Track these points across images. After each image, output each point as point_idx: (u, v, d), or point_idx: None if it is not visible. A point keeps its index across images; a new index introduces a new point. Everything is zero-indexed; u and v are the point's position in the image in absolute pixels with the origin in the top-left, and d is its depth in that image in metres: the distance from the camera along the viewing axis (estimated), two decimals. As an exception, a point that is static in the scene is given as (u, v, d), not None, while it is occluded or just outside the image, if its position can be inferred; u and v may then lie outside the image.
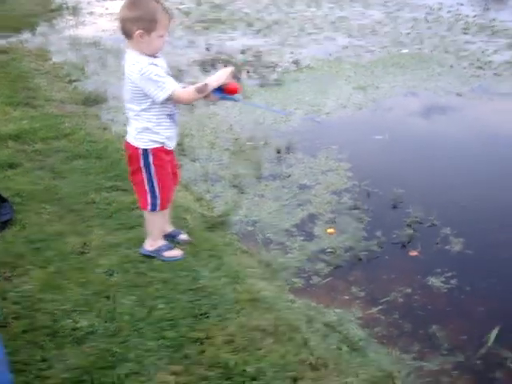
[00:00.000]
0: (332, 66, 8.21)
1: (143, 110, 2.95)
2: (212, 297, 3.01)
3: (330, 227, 4.00)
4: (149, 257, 3.31)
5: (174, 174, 3.27)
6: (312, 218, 4.14)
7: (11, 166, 4.58)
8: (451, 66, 8.16)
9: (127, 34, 2.86)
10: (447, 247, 3.80)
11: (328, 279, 3.49)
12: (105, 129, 5.71)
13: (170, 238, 3.48)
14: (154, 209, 3.17)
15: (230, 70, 3.01)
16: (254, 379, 2.48)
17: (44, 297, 2.99)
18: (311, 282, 3.47)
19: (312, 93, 6.90)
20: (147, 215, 3.26)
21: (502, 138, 5.74)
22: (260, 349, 2.66)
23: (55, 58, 8.91)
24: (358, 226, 4.03)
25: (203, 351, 2.63)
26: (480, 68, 8.03)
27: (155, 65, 2.85)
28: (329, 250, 3.75)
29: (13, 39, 10.08)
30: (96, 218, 3.75)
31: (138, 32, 2.80)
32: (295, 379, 2.52)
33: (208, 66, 8.28)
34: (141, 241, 3.42)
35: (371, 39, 9.82)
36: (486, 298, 3.35)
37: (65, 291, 3.03)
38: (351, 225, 4.05)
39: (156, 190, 3.11)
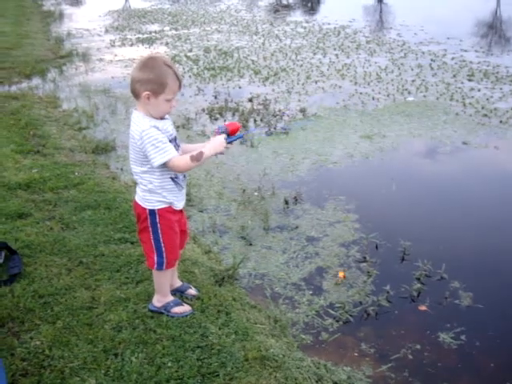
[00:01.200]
0: (339, 115, 8.29)
1: (145, 171, 2.98)
2: (221, 354, 2.99)
3: (342, 270, 4.02)
4: (157, 313, 3.31)
5: (183, 232, 3.29)
6: (320, 271, 4.13)
7: (20, 216, 4.61)
8: (457, 114, 8.23)
9: (135, 94, 2.90)
10: (456, 301, 3.78)
11: (337, 335, 3.47)
12: (114, 178, 5.76)
13: (179, 293, 3.47)
14: (160, 268, 3.18)
15: (223, 138, 3.03)
16: None
17: (52, 353, 2.98)
18: (320, 338, 3.45)
19: (319, 142, 6.97)
20: (155, 273, 3.27)
21: (510, 186, 5.76)
22: (270, 410, 2.64)
23: (65, 105, 9.06)
24: (366, 279, 4.03)
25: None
26: (485, 116, 8.09)
27: (157, 128, 2.88)
28: (337, 304, 3.74)
29: (23, 85, 10.27)
30: (105, 271, 3.76)
31: (145, 93, 2.84)
32: None
33: (216, 113, 8.39)
34: (149, 295, 3.42)
35: (377, 86, 9.93)
36: (497, 353, 3.33)
37: (73, 348, 3.02)
38: (360, 278, 4.04)
39: (162, 250, 3.12)
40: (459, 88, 9.71)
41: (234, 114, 8.35)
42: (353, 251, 4.40)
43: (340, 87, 9.99)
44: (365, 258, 4.28)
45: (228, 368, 2.89)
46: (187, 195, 5.10)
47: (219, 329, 3.21)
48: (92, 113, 8.46)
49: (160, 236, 3.08)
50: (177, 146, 3.01)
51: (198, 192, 5.47)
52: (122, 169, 6.17)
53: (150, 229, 3.08)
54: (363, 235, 4.61)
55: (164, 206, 3.05)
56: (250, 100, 9.12)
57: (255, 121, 8.00)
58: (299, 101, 9.06)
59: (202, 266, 3.97)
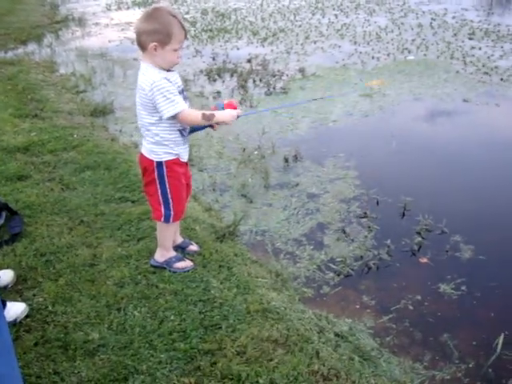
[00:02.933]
0: (338, 74, 8.22)
1: (153, 123, 2.95)
2: (223, 308, 3.00)
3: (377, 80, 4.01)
4: (159, 268, 3.32)
5: (188, 186, 3.29)
6: (321, 226, 4.14)
7: (20, 178, 4.60)
8: (457, 72, 8.15)
9: (142, 45, 2.86)
10: (457, 254, 3.80)
11: (338, 288, 3.49)
12: (113, 140, 5.73)
13: (180, 250, 3.48)
14: (167, 220, 3.17)
15: (236, 113, 3.01)
16: (266, 391, 2.48)
17: (55, 309, 3.00)
18: (321, 291, 3.47)
19: (318, 100, 6.92)
20: (160, 226, 3.27)
21: (510, 142, 5.73)
22: (272, 360, 2.66)
23: (62, 70, 8.98)
24: (367, 234, 4.03)
25: (215, 363, 2.62)
26: (486, 74, 8.01)
27: (168, 79, 2.85)
28: (338, 259, 3.75)
29: (20, 51, 10.16)
30: (106, 230, 3.76)
31: (152, 45, 2.80)
32: (307, 390, 2.52)
33: (214, 75, 8.31)
34: (150, 252, 3.43)
35: (377, 46, 9.82)
36: (496, 303, 3.35)
37: (76, 304, 3.04)
38: (361, 233, 4.05)
39: (170, 202, 3.11)
40: (460, 47, 9.60)
41: (232, 75, 8.28)
42: (353, 207, 4.40)
43: (339, 47, 9.88)
44: (365, 213, 4.28)
45: (230, 320, 2.91)
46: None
47: (221, 283, 3.23)
48: (89, 76, 8.39)
49: (167, 188, 3.07)
50: (185, 99, 2.98)
51: (197, 152, 5.44)
52: (120, 130, 6.14)
53: (158, 181, 3.06)
54: (363, 191, 4.61)
55: (171, 157, 3.04)
56: (249, 61, 9.03)
57: (254, 81, 7.93)
58: (298, 61, 8.97)
59: (202, 223, 3.97)
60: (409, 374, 2.81)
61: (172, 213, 3.15)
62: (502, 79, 7.77)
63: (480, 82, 7.68)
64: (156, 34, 2.79)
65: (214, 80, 8.13)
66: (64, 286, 3.19)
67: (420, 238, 3.95)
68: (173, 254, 3.35)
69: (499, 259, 3.78)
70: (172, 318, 2.92)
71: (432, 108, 6.81)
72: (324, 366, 2.66)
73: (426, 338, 3.08)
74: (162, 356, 2.66)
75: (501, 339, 3.00)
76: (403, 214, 4.28)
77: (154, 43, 2.80)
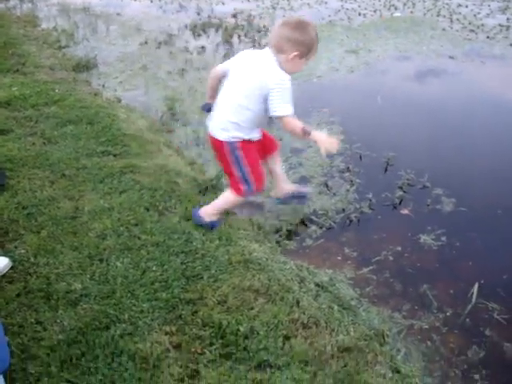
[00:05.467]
0: (324, 30, 8.12)
1: (249, 109, 3.02)
2: (205, 259, 3.03)
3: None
4: (198, 224, 3.34)
5: (264, 144, 3.37)
6: (304, 180, 4.15)
7: (2, 132, 4.54)
8: (443, 30, 8.11)
9: (280, 49, 2.92)
10: (439, 206, 3.84)
11: (320, 241, 3.52)
12: (96, 94, 5.66)
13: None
14: (246, 194, 3.25)
15: (334, 141, 2.99)
16: (246, 338, 2.52)
17: (38, 261, 3.00)
18: (304, 244, 3.50)
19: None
20: (231, 195, 3.29)
21: (494, 99, 5.74)
22: (252, 308, 2.70)
23: (44, 25, 8.77)
24: (349, 188, 4.05)
25: (196, 312, 2.66)
26: (472, 31, 7.98)
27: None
28: (320, 212, 3.78)
29: (1, 6, 9.91)
30: (88, 183, 3.74)
31: (294, 53, 2.90)
32: (287, 337, 2.56)
33: (199, 30, 8.18)
34: (132, 204, 3.43)
35: (363, 2, 9.72)
36: (474, 253, 3.40)
37: (58, 255, 3.04)
38: (343, 187, 4.07)
39: (249, 178, 3.18)
40: (446, 4, 9.53)
41: (217, 31, 8.17)
42: (336, 162, 4.40)
43: (326, 3, 9.77)
44: (348, 168, 4.30)
45: (212, 271, 2.94)
46: (170, 109, 5.08)
47: (203, 235, 3.24)
48: (72, 31, 8.21)
49: (242, 164, 3.14)
50: None
51: (181, 106, 5.40)
52: (103, 85, 6.05)
53: (232, 159, 3.14)
54: (347, 146, 4.61)
55: (246, 138, 3.12)
56: (234, 16, 8.90)
57: (239, 36, 7.83)
58: (284, 16, 8.84)
59: (185, 176, 3.96)
60: (387, 323, 2.87)
61: (252, 187, 3.21)
62: (488, 37, 7.75)
63: (466, 40, 7.65)
64: (301, 46, 2.91)
65: (199, 35, 8.02)
66: (46, 238, 3.19)
67: (402, 192, 3.98)
68: (220, 217, 3.41)
69: (479, 211, 3.82)
70: (154, 268, 2.94)
71: (418, 64, 6.78)
72: (304, 314, 2.71)
73: (405, 289, 3.13)
74: (144, 305, 2.68)
75: (475, 288, 3.07)
76: (386, 169, 4.31)
77: (296, 53, 2.89)
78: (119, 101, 5.54)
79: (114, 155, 4.12)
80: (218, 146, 3.17)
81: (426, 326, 2.88)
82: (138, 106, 5.47)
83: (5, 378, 1.99)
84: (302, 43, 2.90)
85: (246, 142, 3.13)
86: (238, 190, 3.23)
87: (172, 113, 5.22)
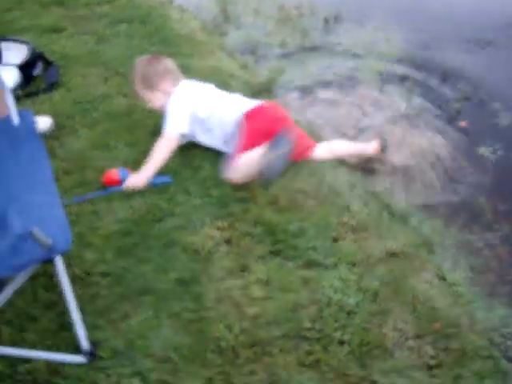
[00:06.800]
0: None
1: None
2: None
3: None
4: None
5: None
6: (358, 83, 4.05)
7: (56, 30, 4.55)
8: None
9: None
10: (496, 121, 3.71)
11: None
12: (146, -5, 5.55)
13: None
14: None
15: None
16: (296, 237, 2.55)
17: (93, 155, 3.06)
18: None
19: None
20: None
21: None
22: (303, 210, 2.72)
23: None
24: (407, 96, 3.94)
25: (247, 210, 2.69)
26: None
27: None
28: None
29: None
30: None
31: None
32: (336, 239, 2.58)
33: None
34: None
35: None
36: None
37: (113, 150, 3.10)
38: (402, 95, 3.96)
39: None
40: None
41: None
42: (395, 68, 4.26)
43: None
44: (407, 76, 4.16)
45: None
46: (223, 11, 4.94)
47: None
48: None
49: None
50: None
51: (234, 9, 5.26)
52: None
53: None
54: (406, 55, 4.44)
55: None
56: None
57: None
58: None
59: (238, 78, 3.90)
60: (438, 234, 2.82)
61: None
62: None
63: None
64: None
65: None
66: (101, 133, 3.24)
67: (459, 105, 3.85)
68: None
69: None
70: (206, 167, 2.96)
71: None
72: (354, 218, 2.71)
73: (461, 201, 3.07)
74: (197, 201, 2.73)
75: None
76: (444, 80, 4.15)
77: None
78: (171, 2, 5.42)
79: (167, 55, 4.07)
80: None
81: (478, 240, 2.83)
82: (191, 7, 5.35)
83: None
84: None
85: None
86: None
87: (225, 15, 5.10)
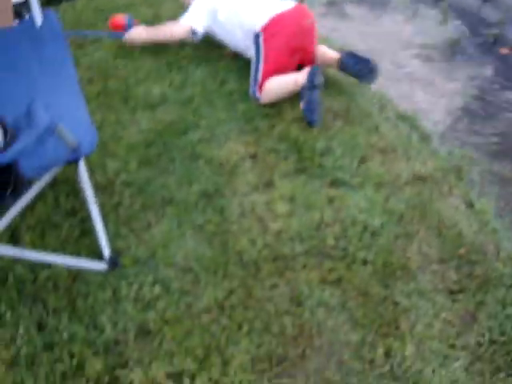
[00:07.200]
0: None
1: None
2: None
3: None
4: None
5: None
6: (391, 8, 3.88)
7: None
8: None
9: None
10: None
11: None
12: None
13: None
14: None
15: None
16: (322, 155, 2.49)
17: (116, 64, 2.99)
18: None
19: None
20: None
21: None
22: (330, 129, 2.64)
23: None
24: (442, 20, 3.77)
25: (273, 126, 2.62)
26: None
27: None
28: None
29: None
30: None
31: None
32: (364, 159, 2.51)
33: None
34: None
35: None
36: None
37: (137, 60, 3.02)
38: (435, 18, 3.79)
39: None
40: None
41: None
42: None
43: None
44: None
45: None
46: None
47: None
48: None
49: None
50: None
51: None
52: None
53: None
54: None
55: None
56: None
57: None
58: None
59: None
60: (468, 162, 2.71)
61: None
62: None
63: None
64: None
65: None
66: (123, 45, 3.14)
67: (497, 30, 3.67)
68: None
69: None
70: (232, 80, 2.88)
71: None
72: (382, 139, 2.64)
73: (490, 134, 2.96)
74: (222, 115, 2.67)
75: None
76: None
77: None
78: None
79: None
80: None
81: (508, 171, 2.75)
82: None
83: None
84: None
85: None
86: None
87: None
